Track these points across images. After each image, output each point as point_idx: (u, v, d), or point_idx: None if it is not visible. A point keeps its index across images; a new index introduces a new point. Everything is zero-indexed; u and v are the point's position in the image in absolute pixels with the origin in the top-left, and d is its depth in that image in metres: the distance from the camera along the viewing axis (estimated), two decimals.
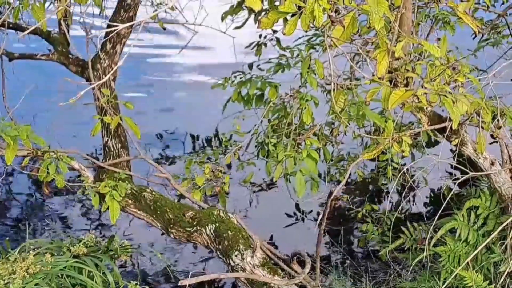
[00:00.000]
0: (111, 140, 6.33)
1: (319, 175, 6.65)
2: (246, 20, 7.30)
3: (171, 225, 6.00)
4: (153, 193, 6.19)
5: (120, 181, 6.00)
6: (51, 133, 8.87)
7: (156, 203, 6.10)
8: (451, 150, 6.27)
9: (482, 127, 5.50)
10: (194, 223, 5.94)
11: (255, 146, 6.99)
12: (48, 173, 5.71)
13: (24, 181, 8.53)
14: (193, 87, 11.29)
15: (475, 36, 7.56)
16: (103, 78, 6.15)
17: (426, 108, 5.23)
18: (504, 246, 5.81)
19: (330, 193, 5.90)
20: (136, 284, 5.65)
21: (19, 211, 8.08)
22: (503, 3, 7.64)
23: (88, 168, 6.26)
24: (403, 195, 7.80)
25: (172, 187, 6.27)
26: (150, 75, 11.69)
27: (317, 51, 6.90)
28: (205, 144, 9.53)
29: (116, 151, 6.37)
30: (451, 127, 5.17)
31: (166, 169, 6.94)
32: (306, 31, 4.34)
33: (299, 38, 7.32)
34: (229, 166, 8.22)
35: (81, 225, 7.84)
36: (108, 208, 5.88)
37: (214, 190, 6.29)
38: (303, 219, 8.08)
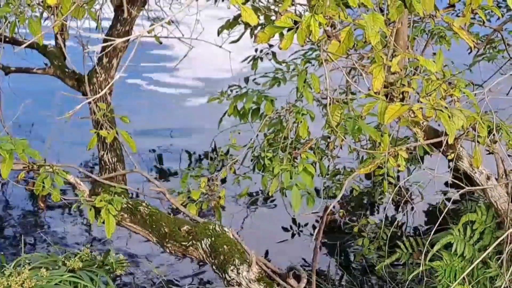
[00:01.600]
0: (107, 154, 6.33)
1: (316, 190, 6.65)
2: (242, 34, 7.32)
3: (167, 239, 5.98)
4: (149, 207, 6.17)
5: (115, 195, 5.99)
6: (47, 147, 8.87)
7: (152, 217, 6.09)
8: (448, 166, 6.28)
9: (478, 142, 5.50)
10: (190, 238, 5.92)
11: (251, 160, 6.98)
12: (43, 187, 5.70)
13: (20, 194, 8.52)
14: (189, 100, 11.30)
15: (471, 51, 7.58)
16: (99, 92, 6.15)
17: (422, 123, 5.23)
18: (500, 261, 5.81)
19: (326, 207, 5.89)
20: None
21: (15, 225, 8.06)
22: (498, 18, 7.66)
23: (84, 182, 6.25)
24: (399, 209, 7.80)
25: (167, 201, 6.26)
26: (145, 87, 11.71)
27: (313, 65, 6.91)
28: (201, 158, 9.53)
29: (112, 165, 6.36)
30: (447, 142, 5.17)
31: (162, 183, 6.94)
32: (302, 46, 4.35)
33: (295, 52, 7.34)
34: (223, 181, 8.21)
35: (76, 239, 7.83)
36: (103, 222, 5.86)
37: (210, 204, 6.28)
38: (299, 233, 8.07)
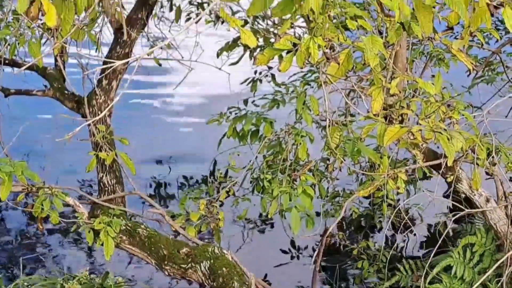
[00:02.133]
0: (106, 176, 6.33)
1: (315, 212, 6.64)
2: (242, 56, 7.35)
3: (165, 262, 5.97)
4: (148, 229, 6.16)
5: (114, 217, 5.98)
6: (46, 169, 8.87)
7: (150, 239, 6.08)
8: (448, 188, 6.27)
9: (477, 164, 5.50)
10: (189, 260, 5.91)
11: (250, 182, 6.97)
12: (42, 209, 5.69)
13: (18, 216, 8.50)
14: (189, 122, 11.30)
15: (470, 73, 7.59)
16: (98, 114, 6.16)
17: (421, 145, 5.24)
18: (500, 283, 5.79)
19: (325, 230, 5.89)
20: None
21: (13, 247, 8.04)
22: (497, 41, 7.69)
23: (83, 204, 6.24)
24: (398, 232, 7.79)
25: (166, 223, 6.24)
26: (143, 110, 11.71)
27: (312, 87, 6.92)
28: (200, 183, 9.52)
29: (111, 186, 6.36)
30: (446, 164, 5.17)
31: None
32: (302, 68, 4.36)
33: (294, 74, 7.36)
34: (222, 203, 8.20)
35: (75, 261, 7.80)
36: (102, 244, 5.85)
37: (209, 226, 6.27)
38: (298, 256, 8.05)
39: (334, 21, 4.28)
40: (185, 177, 9.68)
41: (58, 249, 8.03)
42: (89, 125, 6.06)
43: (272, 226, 8.45)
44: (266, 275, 7.67)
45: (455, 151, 4.88)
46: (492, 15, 4.45)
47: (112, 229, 5.86)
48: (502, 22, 7.86)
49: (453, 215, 5.77)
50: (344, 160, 6.06)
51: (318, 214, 7.57)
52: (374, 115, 4.82)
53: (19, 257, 7.72)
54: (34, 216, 5.82)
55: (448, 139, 4.77)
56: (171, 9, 8.02)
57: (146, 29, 6.92)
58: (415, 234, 7.86)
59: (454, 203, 5.85)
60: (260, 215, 8.48)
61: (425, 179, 7.57)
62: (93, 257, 7.94)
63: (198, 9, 7.97)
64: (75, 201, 6.10)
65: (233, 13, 6.99)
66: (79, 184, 9.01)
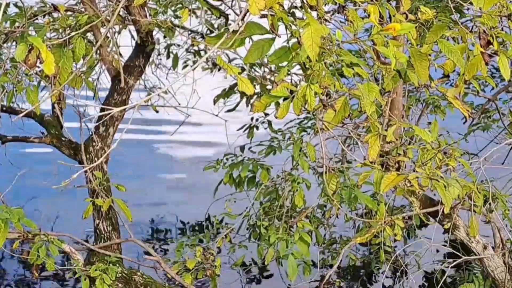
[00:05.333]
0: (102, 222, 6.31)
1: (312, 260, 6.62)
2: (238, 103, 7.38)
3: None
4: (144, 276, 6.13)
5: (110, 264, 5.95)
6: (42, 216, 8.83)
7: (147, 287, 6.04)
8: (445, 235, 6.25)
9: (474, 211, 5.50)
10: None
11: (247, 229, 6.96)
12: (38, 256, 5.66)
13: (13, 263, 8.44)
14: (185, 167, 11.30)
15: (466, 121, 7.63)
16: (95, 161, 6.16)
17: (418, 192, 5.24)
18: None
19: (323, 277, 5.86)
20: None
21: None
22: (493, 88, 7.73)
23: (79, 251, 6.21)
24: (396, 279, 7.74)
25: (163, 270, 6.21)
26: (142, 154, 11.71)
27: (309, 134, 6.94)
28: (196, 229, 9.48)
29: (107, 233, 6.34)
30: (443, 211, 5.17)
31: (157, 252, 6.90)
32: (298, 115, 4.38)
33: (291, 121, 7.38)
34: (218, 249, 8.17)
35: None
36: None
37: (206, 273, 6.24)
38: None
39: (331, 68, 4.31)
40: (182, 222, 9.65)
41: None
42: (86, 171, 6.06)
43: (268, 274, 8.40)
44: None
45: (452, 198, 4.88)
46: (486, 64, 4.48)
47: (108, 276, 5.83)
48: (497, 69, 7.92)
49: (451, 262, 5.75)
50: (341, 207, 6.05)
51: (315, 261, 7.54)
52: (371, 162, 4.83)
53: None
54: (29, 263, 5.79)
55: (445, 186, 4.77)
56: (168, 57, 8.07)
57: (143, 76, 6.96)
58: (412, 281, 7.81)
59: (451, 250, 5.84)
60: (257, 262, 8.44)
61: (422, 227, 7.57)
62: None
63: (195, 56, 8.02)
64: (71, 248, 6.08)
65: (230, 61, 7.03)
66: (77, 232, 8.97)
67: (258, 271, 8.45)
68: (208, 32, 7.22)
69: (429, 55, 4.47)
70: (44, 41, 4.05)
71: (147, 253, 6.31)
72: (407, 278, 7.91)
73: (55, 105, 6.56)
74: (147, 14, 6.32)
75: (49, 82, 5.01)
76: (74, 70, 4.83)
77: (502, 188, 6.55)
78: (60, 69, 4.34)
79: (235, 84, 7.01)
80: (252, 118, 7.64)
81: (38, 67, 4.35)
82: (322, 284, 5.81)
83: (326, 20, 4.21)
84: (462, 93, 5.03)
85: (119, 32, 7.12)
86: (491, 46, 4.43)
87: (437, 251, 8.10)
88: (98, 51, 5.86)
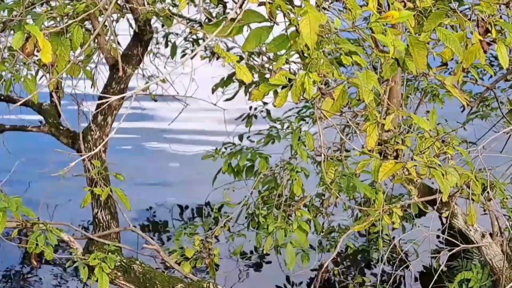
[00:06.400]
0: (101, 211, 6.32)
1: (310, 247, 6.63)
2: (237, 92, 7.37)
3: None
4: (143, 265, 6.14)
5: (109, 253, 5.96)
6: (41, 205, 8.82)
7: (145, 276, 6.05)
8: (443, 223, 6.27)
9: (473, 200, 5.50)
10: None
11: (245, 218, 6.96)
12: (37, 245, 5.67)
13: (12, 252, 8.45)
14: (183, 157, 11.29)
15: (464, 109, 7.63)
16: (93, 150, 6.16)
17: (416, 180, 5.24)
18: None
19: (321, 266, 5.87)
20: None
21: (6, 283, 7.99)
22: (491, 77, 7.73)
23: (78, 240, 6.22)
24: (394, 268, 7.75)
25: (161, 259, 6.22)
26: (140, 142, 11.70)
27: (307, 123, 6.94)
28: (195, 216, 9.49)
29: (106, 222, 6.35)
30: (441, 199, 5.17)
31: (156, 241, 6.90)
32: (297, 103, 4.37)
33: (290, 110, 7.38)
34: (217, 238, 8.17)
35: None
36: (97, 281, 5.82)
37: (204, 262, 6.25)
38: None
39: (329, 57, 4.30)
40: (179, 206, 9.66)
41: (53, 285, 7.97)
42: (83, 160, 6.06)
43: (267, 262, 8.42)
44: None
45: (450, 186, 4.88)
46: (485, 52, 4.47)
47: (106, 265, 5.84)
48: (496, 57, 7.91)
49: (449, 251, 5.76)
50: (340, 196, 6.06)
51: (313, 249, 7.55)
52: (369, 150, 4.83)
53: None
54: (28, 252, 5.80)
55: (442, 174, 4.77)
56: (166, 46, 8.06)
57: (141, 65, 6.95)
58: (410, 270, 7.83)
59: (449, 238, 5.84)
60: (255, 250, 8.45)
61: (421, 216, 7.58)
62: None
63: (193, 45, 8.01)
64: (69, 237, 6.09)
65: (228, 49, 7.02)
66: (76, 221, 8.97)
67: (256, 260, 8.46)
68: (207, 20, 7.21)
69: (428, 43, 4.47)
70: (42, 30, 4.04)
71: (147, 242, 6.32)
72: (405, 267, 7.94)
73: (53, 94, 6.56)
74: (145, 3, 6.30)
75: (47, 71, 5.00)
76: (71, 58, 4.82)
77: (500, 176, 6.55)
78: (57, 58, 4.33)
79: (234, 73, 7.01)
80: (250, 107, 7.64)
81: (36, 55, 4.34)
82: (320, 272, 5.82)
83: (324, 8, 4.21)
84: (460, 81, 5.03)
85: (117, 21, 7.10)
86: (489, 34, 4.43)
87: (438, 236, 8.10)
88: (96, 40, 5.85)
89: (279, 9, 3.96)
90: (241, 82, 7.11)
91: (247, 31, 4.21)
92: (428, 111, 5.58)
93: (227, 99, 7.49)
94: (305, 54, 4.18)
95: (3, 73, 5.60)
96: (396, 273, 7.82)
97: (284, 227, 6.07)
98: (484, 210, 5.88)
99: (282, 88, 4.26)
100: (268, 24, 4.07)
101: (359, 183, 5.96)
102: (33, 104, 6.76)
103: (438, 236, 7.45)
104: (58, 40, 4.40)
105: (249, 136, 7.32)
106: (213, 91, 7.36)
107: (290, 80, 4.19)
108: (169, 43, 8.05)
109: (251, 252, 8.47)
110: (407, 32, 4.40)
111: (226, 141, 7.31)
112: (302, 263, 6.37)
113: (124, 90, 6.36)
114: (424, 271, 8.04)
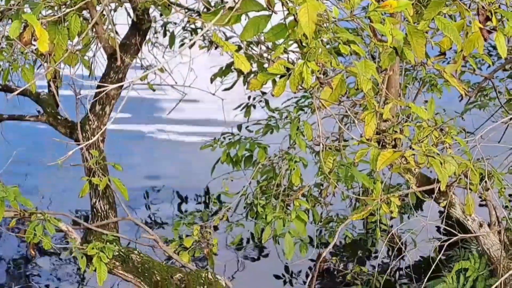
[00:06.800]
0: (99, 201, 6.31)
1: (309, 237, 6.64)
2: (235, 82, 7.36)
3: None
4: (141, 255, 6.14)
5: (107, 243, 5.96)
6: (39, 194, 8.83)
7: (144, 265, 6.05)
8: (441, 213, 6.27)
9: (470, 189, 5.51)
10: (182, 286, 5.88)
11: (244, 207, 6.97)
12: (35, 234, 5.66)
13: (10, 242, 8.46)
14: (181, 146, 11.30)
15: (462, 99, 7.63)
16: (91, 139, 6.15)
17: (414, 170, 5.24)
18: None
19: (319, 255, 5.87)
20: None
21: (5, 272, 8.00)
22: (489, 66, 7.73)
23: (76, 230, 6.22)
24: (392, 257, 7.76)
25: (160, 248, 6.22)
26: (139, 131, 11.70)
27: (306, 112, 6.94)
28: (194, 205, 9.50)
29: (104, 212, 6.34)
30: (439, 189, 5.17)
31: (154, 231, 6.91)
32: (295, 92, 4.36)
33: (288, 99, 7.37)
34: (215, 228, 8.18)
35: (67, 287, 7.76)
36: (95, 270, 5.82)
37: (203, 252, 6.25)
38: (291, 281, 8.02)
39: (327, 46, 4.29)
40: (179, 195, 9.67)
41: (50, 274, 7.98)
42: (81, 149, 6.04)
43: (266, 252, 8.43)
44: None
45: (448, 175, 4.88)
46: (485, 40, 4.46)
47: (105, 254, 5.83)
48: (494, 47, 7.91)
49: (447, 240, 5.77)
50: (338, 185, 6.06)
51: (312, 239, 7.56)
52: (367, 140, 4.82)
53: (11, 282, 7.68)
54: (26, 241, 5.79)
55: (441, 163, 4.77)
56: (164, 35, 8.04)
57: (139, 55, 6.93)
58: (408, 259, 7.85)
59: (447, 228, 5.85)
60: (254, 239, 8.46)
61: (419, 206, 7.59)
62: (85, 283, 7.89)
63: (192, 35, 7.99)
64: (67, 227, 6.08)
65: (227, 39, 7.01)
66: (74, 210, 8.98)
67: (255, 250, 8.47)
68: (205, 9, 7.19)
69: (426, 32, 4.46)
70: (39, 19, 4.03)
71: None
72: (403, 256, 7.95)
73: (51, 83, 6.54)
74: None
75: (44, 60, 4.98)
76: (69, 47, 4.81)
77: (498, 166, 6.56)
78: (55, 47, 4.32)
79: (232, 63, 6.99)
80: (249, 97, 7.64)
81: (34, 45, 4.33)
82: (318, 261, 5.83)
83: None
84: (459, 70, 5.03)
85: (115, 10, 7.09)
86: (489, 22, 4.42)
87: (437, 227, 8.12)
88: (94, 29, 5.83)
89: None
90: (240, 72, 7.09)
91: (245, 20, 4.20)
92: (426, 101, 5.58)
93: (226, 89, 7.48)
94: (303, 43, 4.17)
95: (1, 63, 5.59)
96: (394, 262, 7.84)
97: (282, 217, 6.08)
98: (482, 200, 5.88)
99: (280, 78, 4.25)
100: (266, 13, 4.06)
101: (357, 172, 5.96)
102: (31, 94, 6.74)
103: (437, 227, 7.47)
104: (56, 29, 4.37)
105: (247, 126, 7.32)
106: (212, 80, 7.34)
107: (288, 69, 4.18)
108: (167, 33, 8.03)
109: (249, 242, 8.49)
110: (405, 21, 4.39)
111: (224, 131, 7.31)
112: (300, 252, 6.38)
113: (122, 79, 6.34)
114: (422, 260, 8.05)
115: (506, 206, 6.40)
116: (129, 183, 6.25)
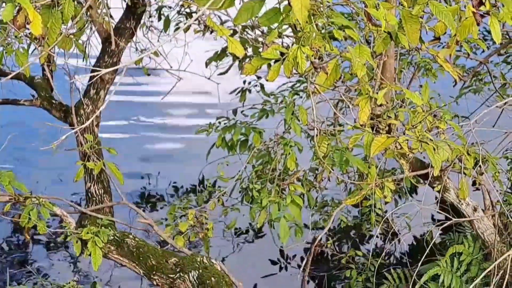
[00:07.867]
0: (94, 185, 6.31)
1: (304, 221, 6.65)
2: (230, 66, 7.35)
3: (154, 272, 5.95)
4: (136, 239, 6.15)
5: (102, 227, 5.96)
6: (33, 179, 8.83)
7: (139, 250, 6.06)
8: (436, 197, 6.28)
9: (465, 174, 5.52)
10: (177, 270, 5.89)
11: (239, 192, 6.97)
12: (29, 219, 5.67)
13: (5, 227, 8.46)
14: (177, 131, 11.28)
15: (456, 84, 7.63)
16: (85, 123, 6.14)
17: (408, 155, 5.25)
18: None
19: (314, 239, 5.89)
20: None
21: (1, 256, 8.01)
22: (483, 51, 7.72)
23: (70, 214, 6.22)
24: (386, 241, 7.78)
25: (155, 233, 6.23)
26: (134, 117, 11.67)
27: (301, 97, 6.93)
28: (189, 191, 9.50)
29: (99, 196, 6.34)
30: (433, 174, 5.18)
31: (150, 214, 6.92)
32: (289, 77, 4.36)
33: (283, 84, 7.37)
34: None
35: (62, 271, 7.77)
36: (90, 255, 5.83)
37: (198, 236, 6.26)
38: (286, 266, 8.04)
39: (322, 31, 4.28)
40: (174, 186, 9.66)
41: (45, 259, 7.99)
42: (76, 133, 6.04)
43: (261, 236, 8.44)
44: (255, 285, 7.66)
45: (442, 161, 4.89)
46: (478, 24, 4.46)
47: (100, 239, 5.84)
48: (489, 32, 7.90)
49: (441, 224, 5.78)
50: (333, 170, 6.06)
51: (306, 224, 7.58)
52: (361, 125, 4.82)
53: (6, 267, 7.68)
54: (21, 226, 5.79)
55: (434, 149, 4.78)
56: (159, 19, 8.02)
57: (134, 38, 6.91)
58: (402, 243, 7.87)
59: (441, 212, 5.86)
60: (249, 224, 8.48)
61: (413, 191, 7.60)
62: (80, 267, 7.90)
63: (187, 19, 7.97)
64: (62, 211, 6.08)
65: (222, 23, 6.99)
66: (69, 195, 8.98)
67: (250, 234, 8.49)
68: None
69: (421, 17, 4.45)
70: (32, 2, 4.01)
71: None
72: (397, 240, 7.97)
73: (45, 67, 6.53)
74: None
75: (38, 44, 4.97)
76: (63, 31, 4.79)
77: (493, 151, 6.57)
78: (48, 31, 4.30)
79: (227, 47, 6.97)
80: (244, 81, 7.63)
81: (27, 28, 4.31)
82: (313, 246, 5.84)
83: None
84: (453, 55, 5.03)
85: None
86: (482, 7, 4.41)
87: (432, 216, 8.16)
88: (88, 13, 5.81)
89: None
90: (235, 56, 7.08)
91: (240, 3, 4.19)
92: (421, 86, 5.58)
93: (221, 73, 7.47)
94: (298, 28, 4.16)
95: None
96: (388, 247, 7.86)
97: (277, 201, 6.09)
98: (475, 184, 5.89)
99: (274, 62, 4.24)
100: None
101: (352, 157, 5.97)
102: (25, 78, 6.73)
103: (431, 213, 7.49)
104: (49, 12, 4.35)
105: (243, 111, 7.31)
106: (207, 65, 7.33)
107: (282, 54, 4.18)
108: (162, 17, 8.01)
109: (245, 226, 8.50)
110: (400, 6, 4.39)
111: (220, 115, 7.30)
112: (295, 237, 6.39)
113: (116, 63, 6.33)
114: (416, 244, 8.08)
115: (501, 190, 6.42)
116: (123, 167, 6.26)
